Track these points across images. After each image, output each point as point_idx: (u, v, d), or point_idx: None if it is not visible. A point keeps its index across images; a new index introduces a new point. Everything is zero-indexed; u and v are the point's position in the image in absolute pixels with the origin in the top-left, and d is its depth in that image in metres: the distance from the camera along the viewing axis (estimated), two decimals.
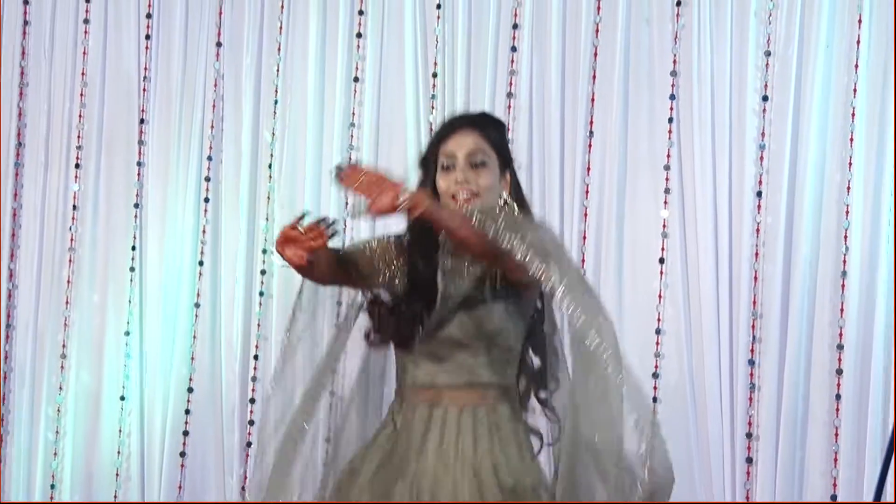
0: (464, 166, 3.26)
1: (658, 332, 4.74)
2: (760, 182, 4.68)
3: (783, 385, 4.61)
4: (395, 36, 4.99)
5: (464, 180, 3.25)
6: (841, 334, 4.56)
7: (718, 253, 4.70)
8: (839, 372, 4.55)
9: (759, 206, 4.67)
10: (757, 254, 4.67)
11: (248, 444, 5.04)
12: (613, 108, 4.79)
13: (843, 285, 4.57)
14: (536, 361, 3.33)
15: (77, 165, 5.23)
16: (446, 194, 3.27)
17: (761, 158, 4.68)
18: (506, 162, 3.35)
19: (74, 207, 5.23)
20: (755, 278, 4.67)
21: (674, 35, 4.77)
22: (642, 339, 4.75)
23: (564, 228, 4.81)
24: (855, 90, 4.58)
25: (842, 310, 4.57)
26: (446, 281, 3.25)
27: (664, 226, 4.76)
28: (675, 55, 4.76)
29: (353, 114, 5.01)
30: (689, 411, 4.69)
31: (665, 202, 4.76)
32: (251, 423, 5.05)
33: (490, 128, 3.35)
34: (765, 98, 4.67)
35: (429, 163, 3.34)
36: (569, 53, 4.84)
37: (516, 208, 3.30)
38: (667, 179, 4.76)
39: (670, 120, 4.76)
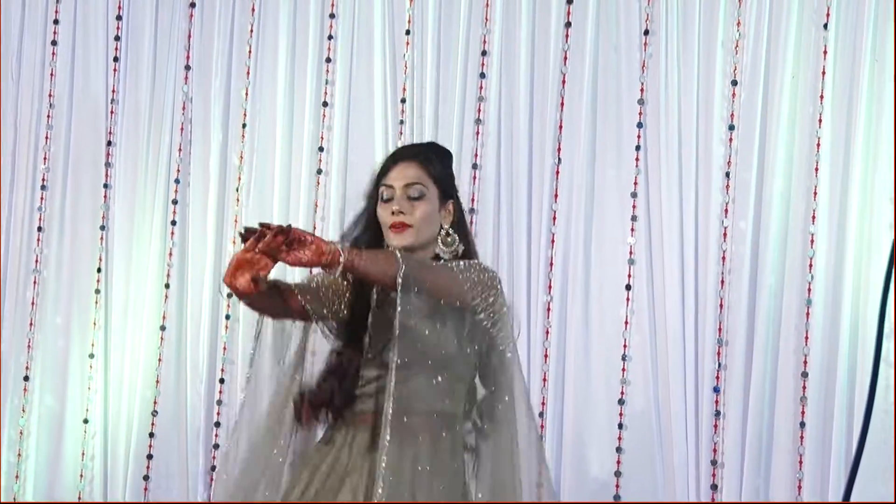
0: (400, 197, 3.31)
1: (624, 358, 4.76)
2: (726, 210, 4.70)
3: (748, 412, 4.62)
4: (364, 61, 5.00)
5: (398, 211, 3.29)
6: (805, 362, 4.58)
7: (684, 280, 4.72)
8: (803, 400, 4.57)
9: (724, 235, 4.70)
10: (723, 282, 4.69)
11: (213, 468, 5.02)
12: (581, 136, 4.81)
13: (807, 314, 4.59)
14: (481, 391, 3.36)
15: (43, 186, 5.21)
16: (385, 225, 3.34)
17: (727, 187, 4.71)
18: (447, 193, 3.40)
19: (40, 229, 5.21)
20: (721, 306, 4.69)
21: (641, 63, 4.80)
22: (608, 366, 4.77)
23: (532, 254, 4.83)
24: (820, 120, 4.61)
25: (806, 338, 4.59)
26: (380, 312, 3.28)
27: (631, 253, 4.78)
28: (642, 83, 4.79)
29: (322, 138, 5.01)
30: (654, 438, 4.71)
31: (632, 229, 4.78)
32: (216, 446, 5.03)
33: (432, 160, 3.40)
34: (731, 127, 4.71)
35: (371, 195, 3.40)
36: (537, 80, 4.86)
37: (457, 239, 3.36)
38: (633, 207, 4.78)
39: (637, 148, 4.79)
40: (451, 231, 3.38)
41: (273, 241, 2.99)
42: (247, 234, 3.02)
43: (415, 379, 3.19)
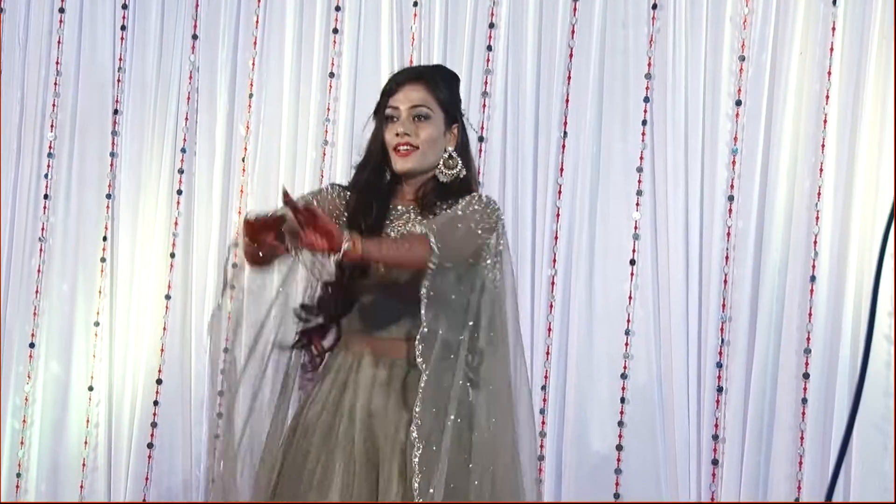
0: (406, 119, 3.36)
1: (627, 333, 4.76)
2: (732, 186, 4.70)
3: (750, 388, 4.63)
4: (371, 33, 4.99)
5: (403, 132, 3.35)
6: (808, 339, 4.58)
7: (689, 256, 4.71)
8: (806, 376, 4.58)
9: (730, 210, 4.69)
10: (727, 257, 4.69)
11: (217, 437, 5.03)
12: (587, 110, 4.81)
13: (811, 290, 4.59)
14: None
15: (50, 154, 5.22)
16: (389, 146, 3.40)
17: (733, 163, 4.70)
18: (453, 117, 3.45)
19: (46, 196, 5.22)
20: (725, 282, 4.69)
21: (649, 38, 4.79)
22: (612, 341, 4.78)
23: (537, 228, 4.83)
24: (827, 97, 4.60)
25: (810, 314, 4.58)
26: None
27: (636, 227, 4.77)
28: (649, 58, 4.78)
29: (329, 109, 5.01)
30: (656, 412, 4.71)
31: (637, 204, 4.78)
32: (220, 415, 5.03)
33: (439, 82, 3.43)
34: (738, 103, 4.69)
35: (379, 116, 3.44)
36: (544, 54, 4.85)
37: (459, 163, 3.42)
38: (639, 181, 4.77)
39: (644, 122, 4.78)
40: (454, 154, 3.43)
41: (295, 218, 3.01)
42: (285, 197, 3.04)
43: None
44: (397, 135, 3.37)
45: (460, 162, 3.43)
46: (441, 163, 3.41)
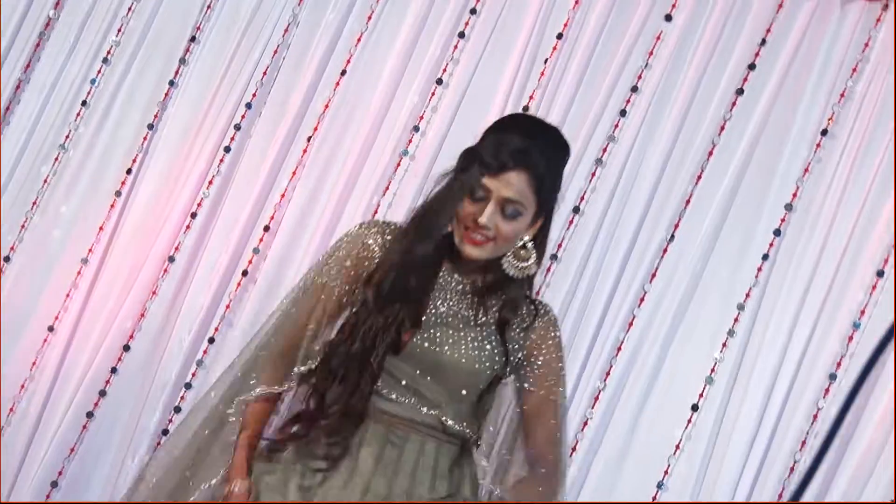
0: (493, 211, 2.98)
1: (660, 486, 4.01)
2: (839, 364, 3.95)
3: None
4: (500, 50, 4.27)
5: (485, 225, 2.97)
6: None
7: (761, 425, 3.97)
8: None
9: (826, 390, 3.95)
10: (804, 443, 3.93)
11: (165, 432, 4.29)
12: (707, 220, 4.09)
13: None
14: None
15: (105, 60, 4.53)
16: (461, 221, 3.01)
17: (850, 339, 3.96)
18: (545, 209, 3.08)
19: (84, 103, 4.52)
20: (791, 469, 3.95)
21: (805, 164, 4.06)
22: (639, 489, 4.04)
23: (601, 332, 4.10)
24: None
25: None
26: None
27: (713, 370, 4.03)
28: (797, 187, 4.06)
29: (421, 118, 4.31)
30: None
31: (724, 345, 4.04)
32: (177, 409, 4.31)
33: (545, 173, 3.01)
34: (880, 273, 3.95)
35: (462, 181, 3.01)
36: (681, 141, 4.15)
37: (533, 256, 3.06)
38: (735, 320, 4.04)
39: (765, 257, 4.05)
40: (528, 245, 3.05)
41: None
42: None
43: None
44: (476, 222, 2.97)
45: (534, 255, 3.05)
46: (511, 254, 3.03)
